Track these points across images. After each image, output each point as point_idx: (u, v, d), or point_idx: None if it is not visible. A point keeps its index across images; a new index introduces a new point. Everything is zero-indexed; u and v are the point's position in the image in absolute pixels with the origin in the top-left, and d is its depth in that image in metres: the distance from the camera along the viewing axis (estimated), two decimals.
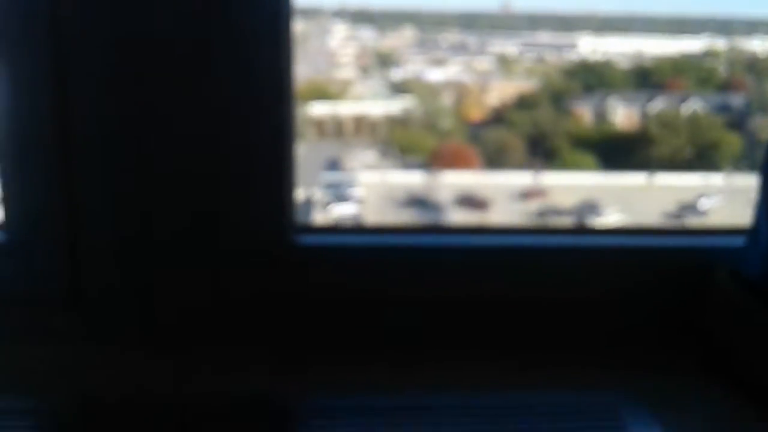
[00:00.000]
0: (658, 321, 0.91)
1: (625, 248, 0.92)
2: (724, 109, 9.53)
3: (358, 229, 0.95)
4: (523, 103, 10.32)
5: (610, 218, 7.02)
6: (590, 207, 7.13)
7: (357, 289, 0.90)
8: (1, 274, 0.85)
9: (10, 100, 0.81)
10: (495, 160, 9.00)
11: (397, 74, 11.57)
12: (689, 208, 7.57)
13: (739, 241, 0.87)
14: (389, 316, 0.90)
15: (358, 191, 7.07)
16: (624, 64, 12.12)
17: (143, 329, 0.87)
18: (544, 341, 0.91)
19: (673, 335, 0.91)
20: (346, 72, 11.87)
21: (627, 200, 7.46)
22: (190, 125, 0.83)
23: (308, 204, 7.05)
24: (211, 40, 0.81)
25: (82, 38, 0.80)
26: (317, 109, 9.86)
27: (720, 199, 7.64)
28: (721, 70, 10.58)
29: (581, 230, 0.97)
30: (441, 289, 0.91)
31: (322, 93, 10.02)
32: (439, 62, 12.29)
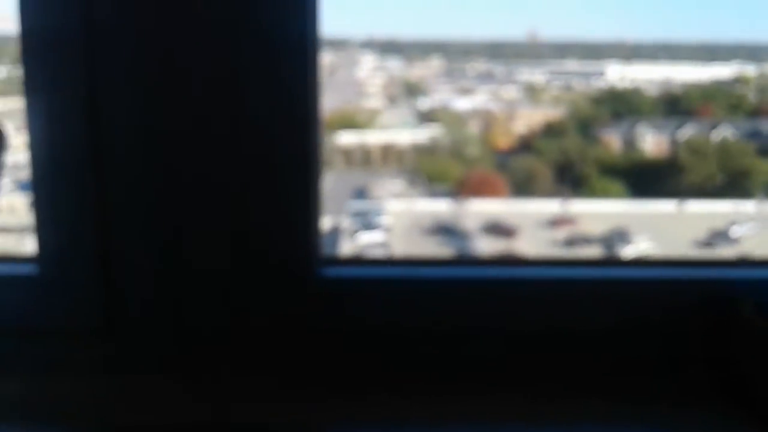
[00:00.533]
0: (683, 352, 0.91)
1: (650, 279, 0.91)
2: (754, 135, 9.42)
3: (383, 260, 0.96)
4: (551, 131, 10.29)
5: (640, 246, 6.94)
6: (620, 235, 7.06)
7: (383, 322, 0.90)
8: (34, 306, 0.87)
9: (44, 131, 0.84)
10: (523, 188, 8.97)
11: (425, 103, 11.61)
12: (721, 235, 7.47)
13: (766, 273, 0.87)
14: (416, 349, 0.90)
15: (385, 219, 7.08)
16: (653, 92, 12.05)
17: (176, 359, 0.89)
18: (570, 373, 0.91)
19: (697, 367, 0.90)
20: (374, 101, 11.95)
21: (657, 228, 7.38)
22: (218, 155, 0.85)
23: (335, 232, 7.07)
24: (239, 70, 0.83)
25: (113, 68, 0.82)
26: (345, 139, 9.93)
27: (752, 226, 7.52)
28: (752, 96, 10.49)
29: (605, 261, 0.97)
30: (468, 321, 0.91)
31: (350, 122, 10.10)
32: (466, 91, 12.33)
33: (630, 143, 9.95)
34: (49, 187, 0.86)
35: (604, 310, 0.91)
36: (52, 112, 0.83)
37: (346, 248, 6.65)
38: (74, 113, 0.83)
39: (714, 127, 10.02)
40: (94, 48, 0.82)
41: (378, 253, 6.54)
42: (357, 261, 0.96)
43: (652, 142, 9.86)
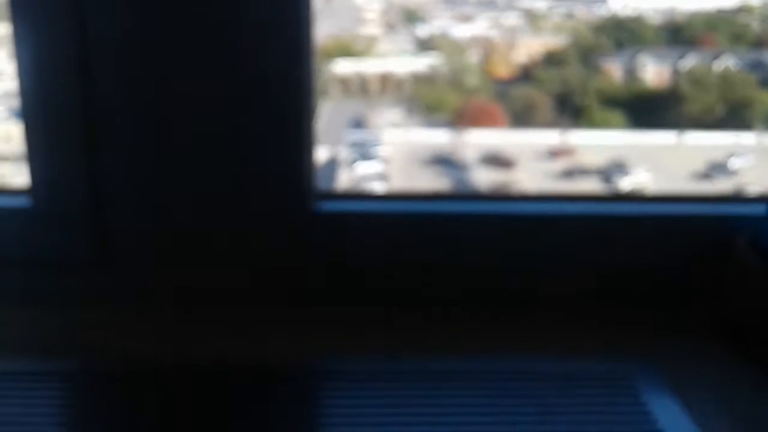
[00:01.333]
0: (680, 287, 0.91)
1: (645, 216, 0.91)
2: (757, 66, 9.31)
3: (378, 195, 0.95)
4: (552, 60, 10.15)
5: (639, 177, 6.94)
6: (618, 166, 7.05)
7: (377, 256, 0.90)
8: (27, 238, 0.87)
9: (32, 59, 0.82)
10: (522, 118, 8.91)
11: (423, 31, 11.41)
12: (719, 167, 7.47)
13: (761, 209, 0.86)
14: (413, 284, 0.91)
15: (382, 150, 7.05)
16: (656, 20, 11.85)
17: (167, 291, 0.89)
18: (564, 307, 0.91)
19: (691, 303, 0.91)
20: (372, 29, 11.74)
21: (656, 159, 7.37)
22: (208, 84, 0.83)
23: (333, 163, 7.05)
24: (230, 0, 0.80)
25: (103, 4, 0.80)
26: (342, 67, 9.80)
27: (751, 158, 7.51)
28: (755, 26, 10.32)
29: (601, 197, 0.96)
30: (465, 256, 0.91)
31: (347, 50, 9.94)
32: (466, 18, 12.10)
33: (631, 73, 9.84)
34: (39, 120, 0.84)
35: (597, 245, 0.91)
36: (41, 39, 0.81)
37: (343, 179, 6.64)
38: (63, 40, 0.81)
39: (716, 57, 9.89)
40: None
41: (375, 184, 6.54)
42: (352, 195, 0.95)
43: (653, 71, 9.74)
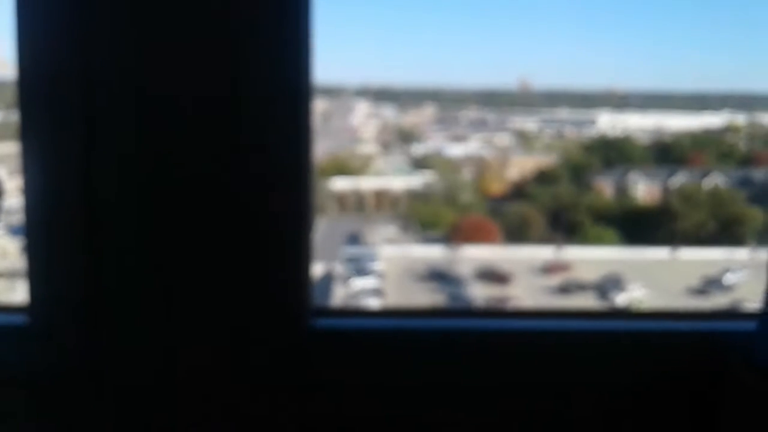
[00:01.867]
0: (672, 404, 0.90)
1: (642, 331, 0.91)
2: (745, 183, 9.49)
3: (374, 312, 0.95)
4: (544, 177, 10.37)
5: (634, 293, 6.92)
6: (614, 282, 7.05)
7: (375, 375, 0.89)
8: (24, 356, 0.86)
9: (39, 184, 0.83)
10: (516, 234, 8.98)
11: (418, 150, 11.70)
12: (714, 282, 7.46)
13: (755, 325, 0.86)
14: (408, 404, 0.89)
15: (378, 265, 7.07)
16: (644, 140, 12.19)
17: (165, 407, 0.87)
18: (559, 424, 0.90)
19: (686, 418, 0.89)
20: (368, 148, 12.02)
21: (651, 275, 7.38)
22: (208, 200, 0.84)
23: (329, 278, 7.04)
24: (233, 114, 0.83)
25: (109, 115, 0.82)
26: (339, 184, 9.96)
27: (746, 273, 7.52)
28: (742, 145, 10.61)
29: (597, 313, 0.96)
30: (462, 374, 0.90)
31: (344, 168, 10.14)
32: (459, 138, 12.43)
33: (622, 190, 10.02)
34: (41, 239, 0.85)
35: (589, 362, 0.90)
36: (48, 158, 0.83)
37: (339, 294, 6.61)
38: (69, 161, 0.83)
39: (705, 175, 10.11)
40: (90, 94, 0.82)
41: (371, 300, 6.50)
42: (348, 312, 0.95)
43: (644, 189, 9.92)
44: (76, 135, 0.83)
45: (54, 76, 0.83)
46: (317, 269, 7.01)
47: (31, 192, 0.84)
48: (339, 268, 7.12)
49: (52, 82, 0.83)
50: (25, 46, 0.83)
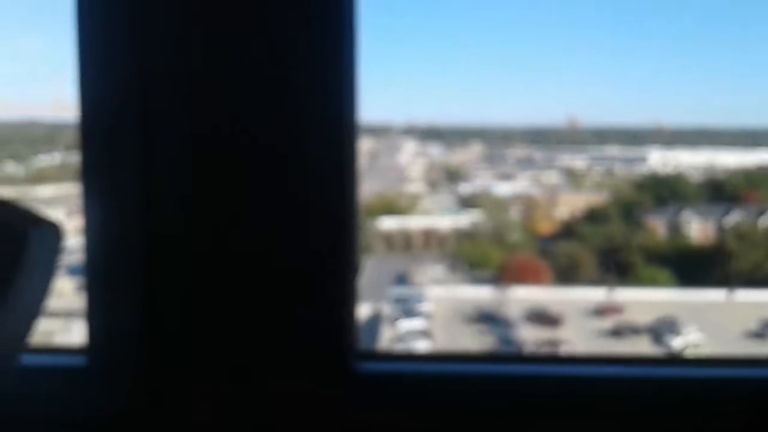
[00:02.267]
0: None
1: (696, 379, 0.87)
2: None
3: (420, 356, 0.93)
4: (594, 216, 10.21)
5: (690, 337, 6.72)
6: (668, 325, 6.86)
7: (421, 420, 0.87)
8: (84, 398, 0.86)
9: (99, 224, 0.84)
10: (566, 274, 8.84)
11: (466, 189, 11.69)
12: None
13: None
14: None
15: (426, 306, 7.01)
16: (696, 177, 11.97)
17: None
18: None
19: None
20: (415, 187, 12.07)
21: (707, 317, 7.17)
22: (258, 241, 0.84)
23: (376, 319, 7.01)
24: (277, 154, 0.82)
25: (167, 155, 0.83)
26: (386, 224, 9.97)
27: None
28: None
29: (652, 360, 0.92)
30: (510, 422, 0.87)
31: (391, 208, 10.17)
32: (506, 176, 12.39)
33: (675, 229, 9.81)
34: (101, 282, 0.85)
35: (652, 410, 0.86)
36: (107, 199, 0.84)
37: (386, 336, 6.57)
38: (128, 201, 0.84)
39: (761, 213, 9.85)
40: (149, 136, 0.83)
41: (419, 342, 6.43)
42: (395, 356, 0.93)
43: (697, 228, 9.70)
44: (134, 176, 0.84)
45: (114, 119, 0.85)
46: (364, 310, 7.00)
47: (91, 232, 0.85)
48: (386, 309, 7.09)
49: (112, 125, 0.85)
50: (87, 90, 0.85)
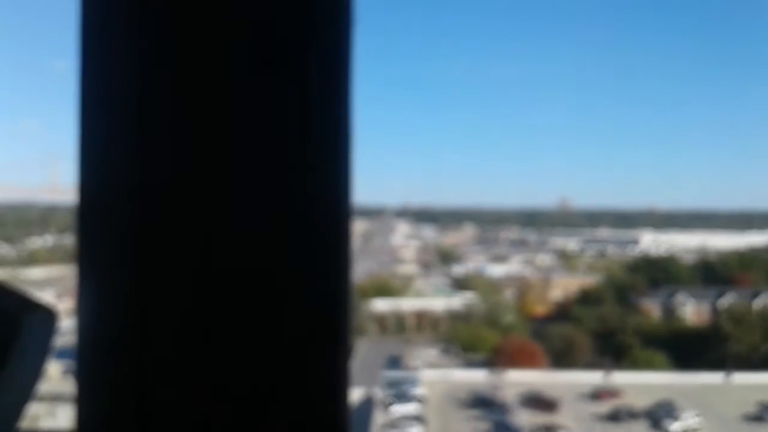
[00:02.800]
0: None
1: None
2: None
3: None
4: (588, 298, 10.20)
5: (688, 421, 6.61)
6: (666, 409, 6.77)
7: None
8: None
9: (93, 309, 0.83)
10: (561, 357, 8.78)
11: (459, 270, 11.69)
12: None
13: None
14: None
15: (419, 390, 6.90)
16: (688, 259, 12.02)
17: None
18: None
19: None
20: (409, 268, 12.06)
21: (704, 401, 7.09)
22: (251, 318, 0.83)
23: (369, 403, 6.89)
24: (270, 238, 0.82)
25: (163, 258, 0.82)
26: (379, 305, 9.92)
27: None
28: None
29: None
30: None
31: (384, 289, 10.15)
32: (500, 258, 12.43)
33: (670, 311, 9.79)
34: (94, 360, 0.84)
35: None
36: (103, 285, 0.83)
37: (379, 420, 6.44)
38: (124, 287, 0.83)
39: (755, 296, 9.84)
40: (146, 217, 0.83)
41: (413, 428, 6.30)
42: None
43: (692, 310, 9.68)
44: (130, 257, 0.83)
45: (112, 200, 0.85)
46: (356, 394, 6.89)
47: (85, 316, 0.84)
48: (379, 393, 6.98)
49: (111, 212, 0.85)
50: (88, 175, 0.85)
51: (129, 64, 0.73)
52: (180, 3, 0.64)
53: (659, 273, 11.18)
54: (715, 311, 9.77)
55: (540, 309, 10.74)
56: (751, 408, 7.11)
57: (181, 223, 0.84)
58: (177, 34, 0.69)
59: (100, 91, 0.87)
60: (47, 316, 0.54)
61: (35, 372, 0.53)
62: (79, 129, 0.87)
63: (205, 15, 0.69)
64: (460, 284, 11.23)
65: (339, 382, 0.82)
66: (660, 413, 6.88)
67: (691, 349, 8.61)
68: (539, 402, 7.09)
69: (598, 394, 7.40)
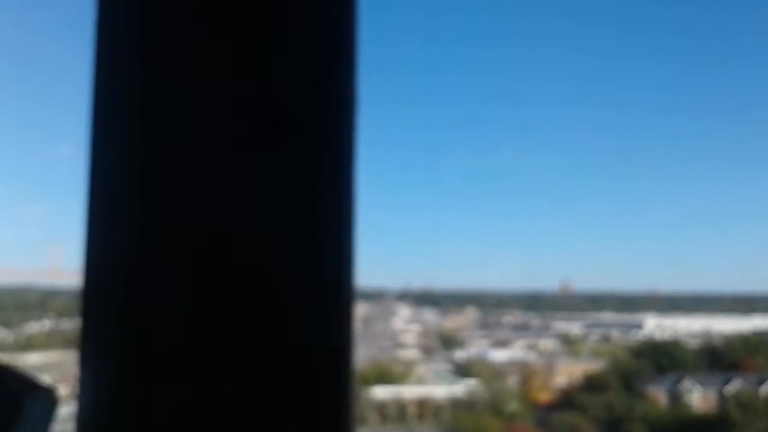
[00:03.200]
0: None
1: None
2: None
3: None
4: (592, 385, 10.02)
5: None
6: None
7: None
8: None
9: (93, 396, 0.81)
10: None
11: (461, 355, 11.53)
12: None
13: None
14: None
15: None
16: (693, 344, 11.87)
17: None
18: None
19: None
20: (410, 353, 11.90)
21: None
22: (251, 399, 0.80)
23: None
24: (271, 321, 0.80)
25: (164, 337, 0.81)
26: (380, 393, 9.74)
27: None
28: None
29: None
30: None
31: (385, 375, 9.98)
32: (502, 343, 12.28)
33: (676, 399, 9.60)
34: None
35: None
36: (103, 372, 0.81)
37: None
38: (127, 371, 0.82)
39: (762, 382, 9.68)
40: (148, 304, 0.82)
41: None
42: None
43: (698, 397, 9.50)
44: (133, 345, 0.83)
45: (117, 283, 0.84)
46: None
47: (85, 401, 0.82)
48: None
49: (114, 290, 0.84)
50: (93, 261, 0.85)
51: (136, 142, 0.74)
52: (184, 83, 0.64)
53: (664, 358, 11.05)
54: (722, 398, 9.60)
55: (544, 396, 10.55)
56: None
57: (184, 304, 0.82)
58: (182, 112, 0.70)
59: (109, 173, 0.87)
60: (49, 397, 0.55)
61: None
62: (86, 209, 0.87)
63: (209, 94, 0.69)
64: (463, 370, 11.07)
65: (343, 401, 0.78)
66: None
67: None
68: None
69: None
